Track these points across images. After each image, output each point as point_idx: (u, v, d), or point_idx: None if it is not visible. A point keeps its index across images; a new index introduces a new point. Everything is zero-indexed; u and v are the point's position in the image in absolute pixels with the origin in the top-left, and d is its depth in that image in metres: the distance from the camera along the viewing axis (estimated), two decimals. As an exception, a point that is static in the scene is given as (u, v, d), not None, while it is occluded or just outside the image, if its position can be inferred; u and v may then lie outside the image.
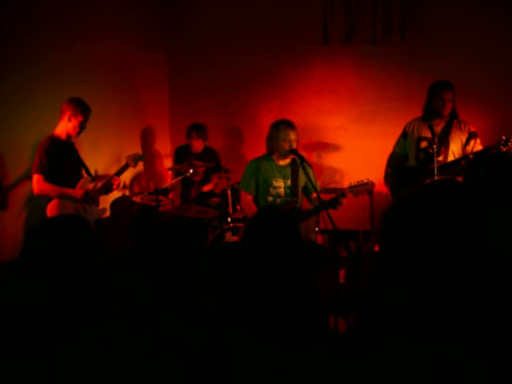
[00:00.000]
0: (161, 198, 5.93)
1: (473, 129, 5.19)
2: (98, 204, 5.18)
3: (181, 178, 6.04)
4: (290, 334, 1.92)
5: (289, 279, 2.11)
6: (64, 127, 4.87)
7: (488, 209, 2.04)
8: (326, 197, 4.92)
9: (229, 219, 5.65)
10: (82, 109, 4.86)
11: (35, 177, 4.73)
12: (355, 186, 4.78)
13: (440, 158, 5.04)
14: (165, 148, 7.60)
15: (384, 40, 6.52)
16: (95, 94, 5.94)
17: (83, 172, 5.16)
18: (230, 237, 5.45)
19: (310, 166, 5.04)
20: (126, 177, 6.72)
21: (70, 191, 4.85)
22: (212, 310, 2.11)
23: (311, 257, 4.88)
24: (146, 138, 7.36)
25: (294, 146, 4.92)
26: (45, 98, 5.24)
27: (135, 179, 7.12)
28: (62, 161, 4.85)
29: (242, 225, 5.06)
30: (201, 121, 6.72)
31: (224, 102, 7.37)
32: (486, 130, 5.61)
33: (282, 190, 5.01)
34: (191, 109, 7.37)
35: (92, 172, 5.52)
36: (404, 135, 5.40)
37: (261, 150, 5.28)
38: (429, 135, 5.17)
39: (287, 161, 5.04)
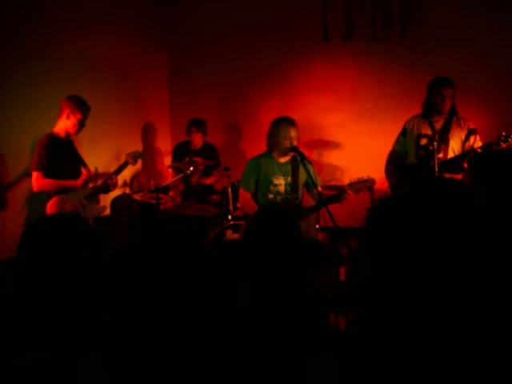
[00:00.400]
0: (161, 195, 5.93)
1: (472, 125, 5.19)
2: (97, 202, 5.17)
3: (181, 175, 6.03)
4: (291, 331, 1.92)
5: (289, 277, 2.11)
6: (63, 125, 4.87)
7: (486, 206, 2.04)
8: (327, 193, 4.93)
9: (229, 217, 5.65)
10: (80, 106, 4.85)
11: (34, 174, 4.74)
12: (355, 183, 4.78)
13: (440, 155, 5.04)
14: (165, 145, 7.59)
15: (384, 37, 6.52)
16: (95, 92, 5.94)
17: (82, 169, 5.16)
18: (230, 234, 5.45)
19: (310, 163, 5.03)
20: (126, 175, 6.72)
21: (69, 183, 4.86)
22: (213, 307, 2.11)
23: (312, 254, 4.88)
24: (147, 135, 7.35)
25: (295, 144, 4.91)
26: (44, 96, 5.23)
27: (135, 177, 7.11)
28: (60, 158, 4.85)
29: (242, 222, 5.05)
30: (201, 117, 6.73)
31: (224, 99, 7.36)
32: (486, 127, 5.60)
33: (282, 188, 5.00)
34: (191, 106, 7.36)
35: (92, 170, 5.52)
36: (403, 133, 5.39)
37: (261, 147, 5.27)
38: (429, 132, 5.16)
39: (287, 158, 5.03)
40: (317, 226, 5.54)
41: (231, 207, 5.79)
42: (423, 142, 5.21)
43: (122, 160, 5.43)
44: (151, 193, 5.95)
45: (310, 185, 4.99)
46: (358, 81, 6.74)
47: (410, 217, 1.52)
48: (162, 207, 5.86)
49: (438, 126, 5.15)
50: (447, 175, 4.90)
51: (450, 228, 1.83)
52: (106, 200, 6.33)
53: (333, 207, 4.51)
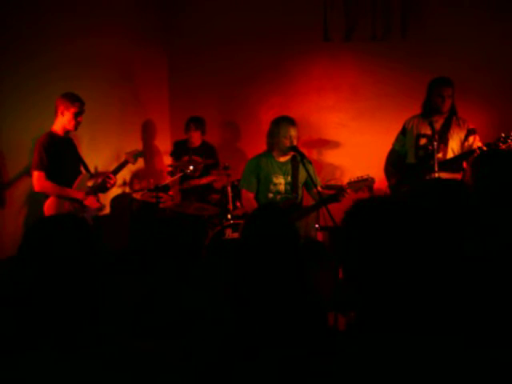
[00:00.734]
0: (161, 194, 5.93)
1: (471, 125, 5.18)
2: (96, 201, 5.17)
3: (181, 174, 6.03)
4: (290, 330, 1.91)
5: (287, 276, 2.11)
6: (60, 123, 4.86)
7: (487, 206, 2.03)
8: (327, 192, 4.93)
9: (229, 216, 5.65)
10: (72, 100, 4.85)
11: (36, 174, 4.73)
12: (355, 182, 4.78)
13: (439, 155, 5.02)
14: (165, 144, 7.59)
15: (385, 37, 6.51)
16: (95, 91, 5.94)
17: (82, 168, 5.15)
18: (229, 234, 5.45)
19: (310, 162, 5.03)
20: (126, 174, 6.72)
21: (70, 192, 4.86)
22: (211, 307, 2.11)
23: (311, 253, 4.88)
24: (146, 134, 7.35)
25: (295, 143, 4.91)
26: (45, 94, 5.23)
27: (135, 176, 7.11)
28: (60, 157, 4.84)
29: (241, 222, 5.06)
30: (201, 116, 6.73)
31: (224, 98, 7.36)
32: (486, 127, 5.60)
33: (282, 187, 5.00)
34: (191, 105, 7.35)
35: (92, 169, 5.51)
36: (403, 132, 5.39)
37: (261, 146, 5.27)
38: (428, 132, 5.15)
39: (287, 157, 5.03)
40: (316, 226, 5.54)
41: (231, 206, 5.79)
42: (422, 141, 5.21)
43: (122, 158, 5.43)
44: (151, 192, 5.95)
45: (310, 184, 4.99)
46: (358, 80, 6.74)
47: (389, 220, 1.52)
48: (161, 206, 5.85)
49: (438, 126, 5.15)
50: (446, 175, 4.91)
51: (450, 229, 1.83)
52: (106, 199, 6.33)
53: (332, 206, 4.51)
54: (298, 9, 6.77)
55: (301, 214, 4.93)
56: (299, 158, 4.80)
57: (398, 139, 5.46)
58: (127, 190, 6.89)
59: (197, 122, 6.61)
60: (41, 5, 5.43)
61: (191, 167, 5.84)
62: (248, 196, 5.06)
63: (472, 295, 1.82)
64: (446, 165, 5.00)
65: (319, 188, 4.84)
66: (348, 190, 4.72)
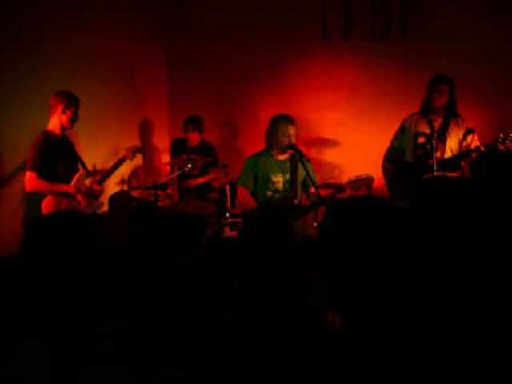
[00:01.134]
0: (159, 192, 5.92)
1: (470, 124, 5.18)
2: (94, 199, 5.15)
3: (179, 172, 6.02)
4: (288, 328, 1.91)
5: (285, 274, 2.11)
6: (58, 121, 4.86)
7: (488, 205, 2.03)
8: (324, 192, 4.92)
9: (227, 214, 5.64)
10: (73, 100, 4.89)
11: (28, 174, 4.72)
12: (354, 181, 4.78)
13: (437, 154, 5.02)
14: (163, 142, 7.59)
15: (384, 35, 6.50)
16: (94, 89, 5.94)
17: (79, 166, 5.15)
18: (228, 232, 5.44)
19: (308, 161, 5.04)
20: (124, 171, 6.71)
21: (61, 187, 4.84)
22: (209, 306, 2.10)
23: (309, 252, 4.88)
24: (145, 132, 7.34)
25: (293, 141, 4.92)
26: (43, 92, 5.21)
27: (133, 174, 7.10)
28: (55, 156, 4.83)
29: (240, 220, 5.05)
30: (198, 114, 6.71)
31: (223, 96, 7.35)
32: (485, 126, 5.59)
33: (280, 185, 5.01)
34: (190, 103, 7.35)
35: (90, 166, 5.50)
36: (401, 130, 5.39)
37: (259, 144, 5.27)
38: (426, 130, 5.15)
39: (286, 156, 5.04)
40: (315, 224, 5.54)
41: (229, 205, 5.78)
42: (421, 140, 5.21)
43: (120, 155, 5.39)
44: (149, 190, 5.94)
45: (308, 183, 4.99)
46: (357, 79, 6.73)
47: (365, 220, 1.52)
48: (159, 204, 5.85)
49: (437, 124, 5.14)
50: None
51: (450, 227, 1.83)
52: (104, 197, 6.32)
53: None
54: (297, 7, 6.76)
55: (299, 213, 4.93)
56: (298, 157, 4.80)
57: (395, 137, 5.46)
58: (125, 187, 6.88)
59: (194, 123, 6.58)
60: (39, 2, 5.43)
61: (189, 165, 5.83)
62: (244, 193, 5.10)
63: (470, 294, 1.82)
64: (444, 164, 4.99)
65: (316, 188, 4.84)
66: (347, 189, 4.72)
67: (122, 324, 1.88)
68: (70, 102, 4.85)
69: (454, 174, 4.99)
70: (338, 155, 6.89)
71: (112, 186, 6.56)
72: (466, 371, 1.37)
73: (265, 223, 2.30)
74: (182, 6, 7.45)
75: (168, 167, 7.11)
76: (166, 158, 7.31)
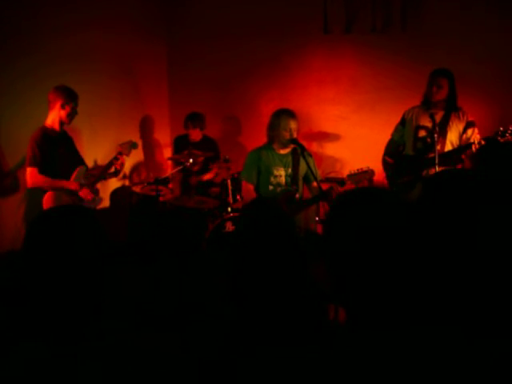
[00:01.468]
0: (161, 188, 5.92)
1: (471, 118, 5.17)
2: (95, 194, 5.14)
3: (181, 167, 6.02)
4: (290, 324, 1.91)
5: (287, 269, 2.10)
6: (57, 116, 4.85)
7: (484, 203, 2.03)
8: (326, 186, 4.92)
9: (229, 209, 5.64)
10: (72, 95, 4.87)
11: (29, 170, 4.71)
12: (355, 174, 4.79)
13: (437, 148, 5.01)
14: (164, 138, 7.59)
15: (384, 29, 6.48)
16: (94, 85, 5.94)
17: (78, 162, 5.13)
18: (230, 227, 5.44)
19: (310, 155, 5.04)
20: (126, 167, 6.71)
21: (64, 183, 4.84)
22: (211, 300, 2.10)
23: (311, 246, 4.88)
24: (146, 127, 7.34)
25: (295, 136, 4.92)
26: (43, 89, 5.19)
27: (135, 169, 7.11)
28: (54, 152, 4.82)
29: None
30: (200, 110, 6.70)
31: (224, 91, 7.34)
32: (485, 120, 5.58)
33: (282, 179, 5.01)
34: (191, 98, 7.35)
35: (91, 162, 5.50)
36: (402, 123, 5.38)
37: (261, 139, 5.27)
38: (427, 124, 5.14)
39: (288, 150, 5.04)
40: (317, 218, 5.55)
41: (231, 199, 5.79)
42: (421, 133, 5.20)
43: (117, 151, 5.33)
44: (151, 185, 5.94)
45: (309, 177, 5.00)
46: (358, 73, 6.72)
47: (373, 211, 1.50)
48: (161, 199, 5.85)
49: (438, 118, 5.14)
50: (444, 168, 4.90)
51: (458, 221, 1.82)
52: (106, 192, 6.33)
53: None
54: (297, 1, 6.75)
55: (299, 207, 4.94)
56: (299, 151, 4.81)
57: (396, 129, 5.45)
58: (127, 183, 6.88)
59: (194, 120, 6.57)
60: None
61: (191, 160, 5.82)
62: (248, 187, 5.10)
63: (471, 287, 1.81)
64: (444, 157, 4.99)
65: (317, 182, 4.84)
66: (348, 182, 4.73)
67: (124, 320, 1.88)
68: (69, 97, 4.84)
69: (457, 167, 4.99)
70: (340, 149, 6.89)
71: (114, 182, 6.56)
72: (468, 363, 1.37)
73: (262, 215, 2.30)
74: (182, 0, 7.45)
75: (170, 162, 7.11)
76: (167, 153, 7.31)
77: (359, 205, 1.52)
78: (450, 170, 4.06)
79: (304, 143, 5.05)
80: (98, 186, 5.22)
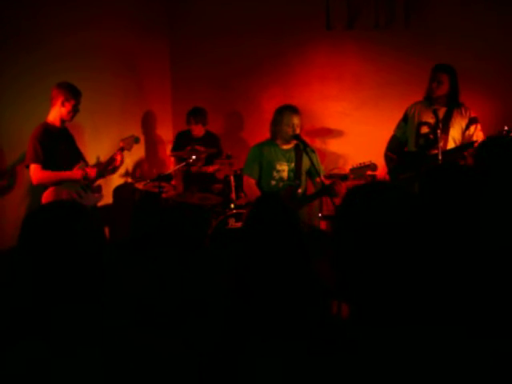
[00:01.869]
0: (163, 184, 5.91)
1: (473, 114, 5.15)
2: (95, 191, 5.13)
3: (183, 164, 6.01)
4: (293, 320, 1.91)
5: (290, 265, 2.10)
6: (58, 113, 4.84)
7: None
8: (329, 182, 4.92)
9: (232, 205, 5.64)
10: (74, 93, 4.83)
11: (32, 167, 4.69)
12: (357, 168, 4.80)
13: (440, 144, 4.99)
14: (167, 134, 7.59)
15: (387, 25, 6.47)
16: (97, 82, 5.94)
17: (79, 158, 5.12)
18: (233, 223, 5.44)
19: (313, 151, 5.04)
20: (128, 163, 6.72)
21: (68, 174, 4.82)
22: (214, 297, 2.10)
23: (314, 242, 4.88)
24: (148, 124, 7.34)
25: (298, 132, 4.92)
26: (44, 86, 5.17)
27: (137, 166, 7.11)
28: (55, 148, 4.81)
29: (245, 211, 5.06)
30: (203, 106, 6.69)
31: (226, 88, 7.34)
32: (488, 116, 5.57)
33: (285, 174, 5.01)
34: (193, 95, 7.34)
35: (94, 158, 5.49)
36: (405, 119, 5.37)
37: (263, 135, 5.26)
38: (430, 120, 5.12)
39: (291, 145, 5.04)
40: (320, 214, 5.54)
41: (234, 196, 5.78)
42: (424, 130, 5.19)
43: (119, 146, 5.31)
44: (153, 181, 5.93)
45: (313, 173, 4.99)
46: (361, 69, 6.71)
47: (385, 205, 1.48)
48: (164, 196, 5.85)
49: (441, 114, 5.12)
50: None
51: (460, 217, 1.81)
52: (108, 189, 6.33)
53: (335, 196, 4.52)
54: (299, -3, 6.75)
55: (302, 202, 4.94)
56: (302, 147, 4.81)
57: (399, 126, 5.44)
58: (129, 179, 6.88)
59: (196, 116, 6.55)
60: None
61: (194, 156, 5.81)
62: (249, 182, 5.09)
63: (474, 286, 1.81)
64: (447, 154, 4.97)
65: (322, 178, 4.84)
66: (350, 177, 4.75)
67: (125, 317, 1.87)
68: (71, 94, 4.82)
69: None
70: (343, 145, 6.88)
71: (116, 178, 6.56)
72: (469, 362, 1.36)
73: (270, 212, 2.29)
74: (184, -2, 7.45)
75: (172, 159, 7.10)
76: (169, 149, 7.32)
77: (369, 200, 1.50)
78: (447, 164, 4.06)
79: (307, 140, 5.05)
80: (101, 182, 5.21)
